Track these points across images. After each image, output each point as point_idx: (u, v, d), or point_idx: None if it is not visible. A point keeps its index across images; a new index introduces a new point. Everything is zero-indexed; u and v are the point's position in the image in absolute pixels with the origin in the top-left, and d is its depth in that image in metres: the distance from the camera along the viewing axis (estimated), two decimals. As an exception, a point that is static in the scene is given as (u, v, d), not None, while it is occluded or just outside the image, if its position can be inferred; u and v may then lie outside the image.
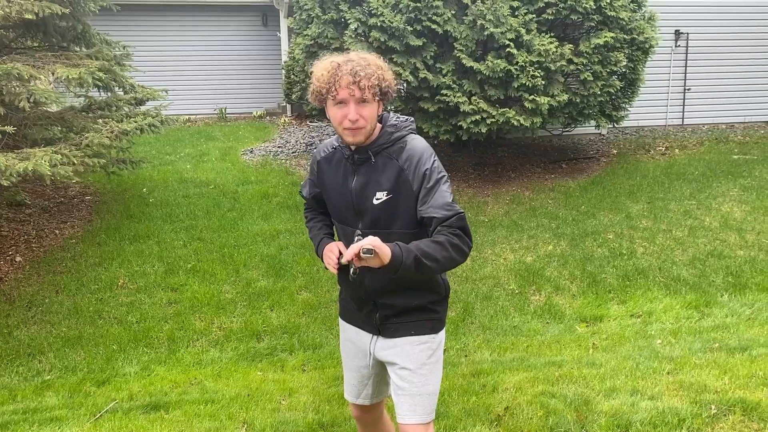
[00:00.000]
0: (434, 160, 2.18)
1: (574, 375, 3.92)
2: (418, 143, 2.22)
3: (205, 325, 5.08)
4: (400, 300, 2.27)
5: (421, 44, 7.28)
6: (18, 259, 6.08)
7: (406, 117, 2.32)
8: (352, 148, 2.21)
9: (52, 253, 6.24)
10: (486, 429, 3.28)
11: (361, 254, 1.96)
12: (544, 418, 3.34)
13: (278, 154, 9.94)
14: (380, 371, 2.43)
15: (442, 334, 2.36)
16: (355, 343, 2.44)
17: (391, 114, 2.30)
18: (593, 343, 4.65)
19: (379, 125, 2.22)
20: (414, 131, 2.28)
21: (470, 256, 6.21)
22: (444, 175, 2.18)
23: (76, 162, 5.54)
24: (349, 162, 2.25)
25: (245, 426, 3.49)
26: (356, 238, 2.16)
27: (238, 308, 5.33)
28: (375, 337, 2.36)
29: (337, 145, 2.32)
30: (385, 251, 1.99)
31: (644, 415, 3.28)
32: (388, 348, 2.32)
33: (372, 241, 1.98)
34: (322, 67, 2.12)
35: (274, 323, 5.10)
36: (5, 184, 4.93)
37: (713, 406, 3.35)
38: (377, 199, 2.18)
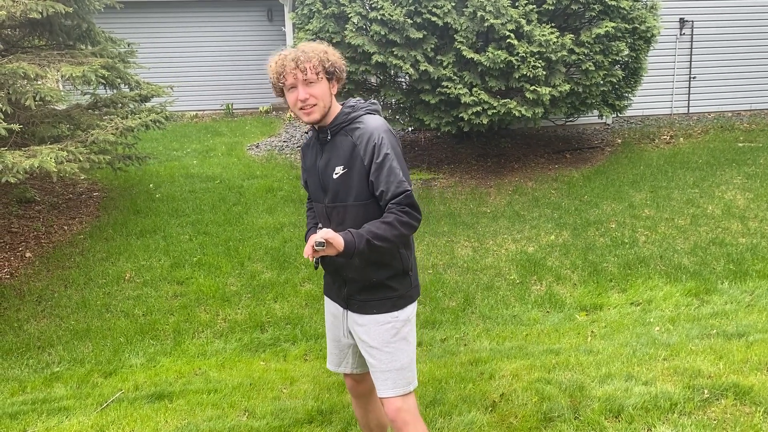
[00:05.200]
0: (383, 137, 2.34)
1: (571, 362, 3.97)
2: (372, 121, 2.39)
3: (210, 317, 5.18)
4: (359, 275, 2.43)
5: (421, 37, 7.32)
6: (28, 254, 6.21)
7: (370, 101, 2.51)
8: (316, 127, 2.42)
9: (61, 248, 6.36)
10: (481, 415, 3.34)
11: (315, 247, 2.17)
12: (539, 403, 3.40)
13: (283, 149, 10.03)
14: (357, 342, 2.58)
15: (408, 310, 2.48)
16: (334, 315, 2.63)
17: (354, 98, 2.49)
18: (592, 331, 4.69)
19: (340, 107, 2.42)
20: (373, 112, 2.45)
21: (473, 247, 6.28)
22: (391, 152, 2.33)
23: (81, 159, 5.65)
24: (318, 143, 2.47)
25: (246, 414, 3.58)
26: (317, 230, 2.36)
27: (242, 300, 5.42)
28: (345, 311, 2.54)
29: (310, 129, 2.54)
30: (338, 241, 2.20)
31: (637, 399, 3.33)
32: (357, 325, 2.50)
33: (324, 234, 2.18)
34: (272, 61, 2.36)
35: (278, 314, 5.18)
36: (12, 181, 5.03)
37: (706, 391, 3.39)
38: (336, 174, 2.38)
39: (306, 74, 2.28)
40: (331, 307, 2.64)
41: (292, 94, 2.32)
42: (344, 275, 2.46)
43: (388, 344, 2.43)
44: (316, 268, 2.39)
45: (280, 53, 2.34)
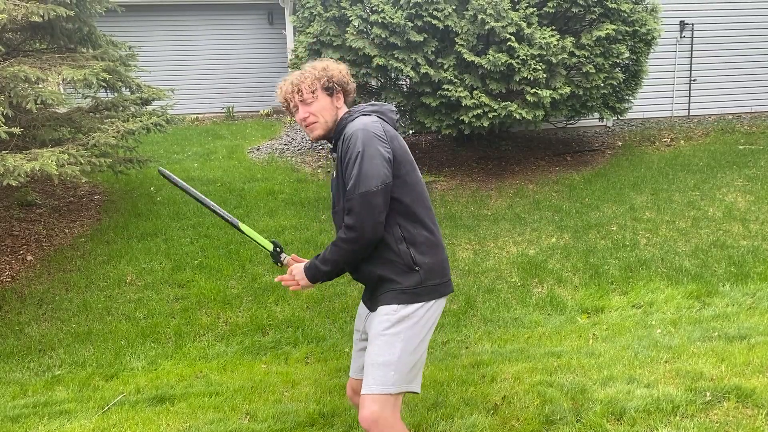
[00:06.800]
0: (357, 142, 2.26)
1: (573, 365, 3.97)
2: (354, 125, 2.34)
3: (212, 320, 5.17)
4: (367, 269, 2.43)
5: (422, 40, 7.33)
6: (29, 258, 6.21)
7: (371, 102, 2.52)
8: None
9: (62, 251, 6.36)
10: (483, 417, 3.33)
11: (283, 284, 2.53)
12: (541, 406, 3.40)
13: (284, 152, 10.03)
14: None
15: (411, 308, 2.37)
16: (360, 316, 2.64)
17: (363, 104, 2.50)
18: (593, 334, 4.69)
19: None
20: (368, 113, 2.41)
21: (474, 249, 6.28)
22: (358, 151, 2.25)
23: (83, 162, 5.65)
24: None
25: (248, 417, 3.58)
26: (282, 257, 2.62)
27: (243, 303, 5.41)
28: (369, 312, 2.53)
29: None
30: (300, 276, 2.47)
31: (639, 402, 3.33)
32: (370, 322, 2.51)
33: (290, 275, 2.50)
34: (279, 86, 2.50)
35: (279, 317, 5.18)
36: (14, 184, 5.04)
37: (708, 393, 3.39)
38: (334, 182, 2.48)
39: (302, 95, 2.39)
40: (360, 309, 2.67)
41: (296, 115, 2.45)
42: (360, 276, 2.51)
43: (379, 336, 2.35)
44: (279, 265, 2.63)
45: (285, 78, 2.48)
